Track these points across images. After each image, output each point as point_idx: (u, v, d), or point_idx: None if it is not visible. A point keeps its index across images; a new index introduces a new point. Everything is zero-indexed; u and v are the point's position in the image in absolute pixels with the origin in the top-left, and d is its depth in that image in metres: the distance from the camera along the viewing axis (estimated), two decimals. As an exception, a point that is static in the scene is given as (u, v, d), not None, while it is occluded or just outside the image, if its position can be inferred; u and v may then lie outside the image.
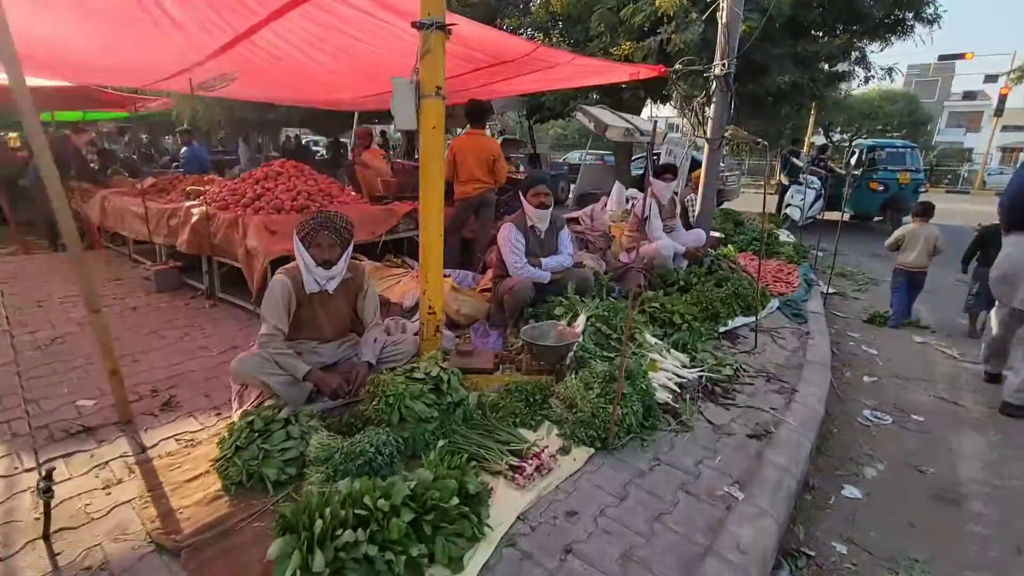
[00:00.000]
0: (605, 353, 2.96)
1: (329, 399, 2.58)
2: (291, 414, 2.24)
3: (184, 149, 9.10)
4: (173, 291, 4.56)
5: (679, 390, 2.93)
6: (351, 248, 2.70)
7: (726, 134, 4.51)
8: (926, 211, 5.22)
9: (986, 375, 3.91)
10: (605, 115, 2.67)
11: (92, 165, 7.81)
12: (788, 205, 10.80)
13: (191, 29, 3.52)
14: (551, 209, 3.58)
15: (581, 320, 3.24)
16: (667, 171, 4.99)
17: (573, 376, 2.63)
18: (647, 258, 5.05)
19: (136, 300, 4.42)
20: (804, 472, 2.47)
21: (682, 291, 4.50)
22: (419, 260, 2.82)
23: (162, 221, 4.56)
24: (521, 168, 10.79)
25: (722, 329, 4.01)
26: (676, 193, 7.05)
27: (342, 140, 15.84)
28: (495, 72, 4.38)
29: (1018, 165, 4.22)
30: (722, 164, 15.47)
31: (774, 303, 4.82)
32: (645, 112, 12.22)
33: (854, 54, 10.25)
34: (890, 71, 9.89)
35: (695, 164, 14.03)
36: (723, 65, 4.81)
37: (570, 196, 11.88)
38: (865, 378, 3.96)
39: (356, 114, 9.53)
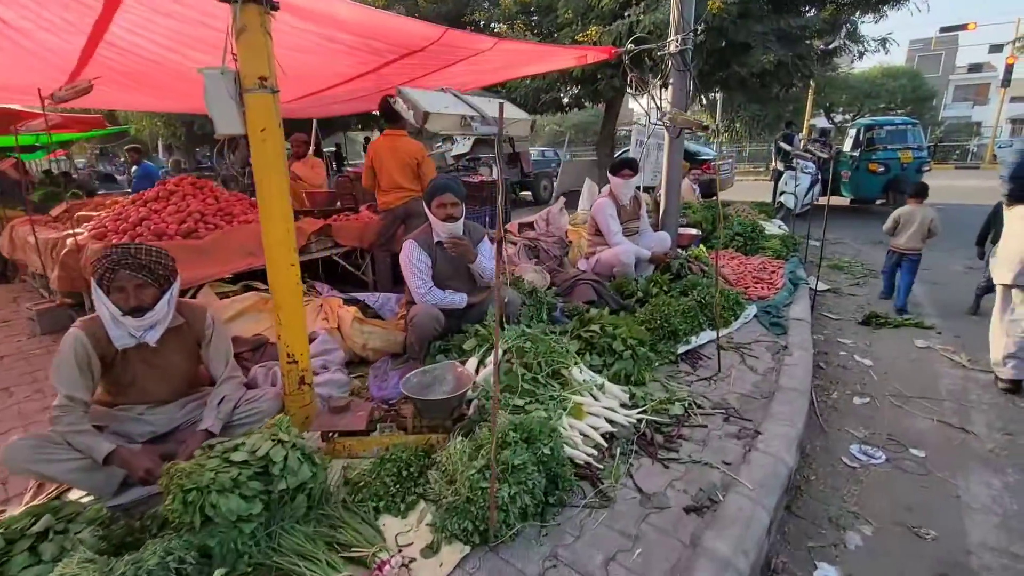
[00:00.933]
0: (515, 403, 2.37)
1: (143, 485, 2.02)
2: (50, 524, 1.68)
3: (135, 168, 8.62)
4: (61, 333, 4.03)
5: (607, 443, 2.34)
6: (175, 287, 2.14)
7: (665, 118, 3.90)
8: (920, 192, 4.96)
9: (1002, 382, 3.32)
10: (429, 99, 2.17)
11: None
12: (782, 193, 10.12)
13: (37, 36, 3.01)
14: (462, 221, 3.00)
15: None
16: (625, 167, 4.38)
17: (459, 439, 2.05)
18: (608, 266, 4.46)
19: (11, 345, 3.91)
20: (759, 558, 1.87)
21: (641, 304, 3.90)
22: (272, 296, 2.25)
23: (50, 253, 4.04)
24: (493, 169, 10.21)
25: (682, 349, 3.41)
26: (645, 190, 6.47)
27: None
28: (412, 66, 3.82)
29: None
30: (712, 150, 14.81)
31: (751, 310, 4.20)
32: (636, 106, 11.58)
33: (844, 28, 9.56)
34: (884, 42, 9.18)
35: (688, 156, 13.44)
36: (678, 41, 4.19)
37: (552, 196, 11.29)
38: (856, 399, 3.34)
39: (315, 121, 9.02)
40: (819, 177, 10.62)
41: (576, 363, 2.77)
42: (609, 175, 4.42)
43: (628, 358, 2.89)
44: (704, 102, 28.21)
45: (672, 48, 4.22)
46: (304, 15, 3.01)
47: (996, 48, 31.42)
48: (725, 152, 26.10)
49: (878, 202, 10.96)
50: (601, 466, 2.20)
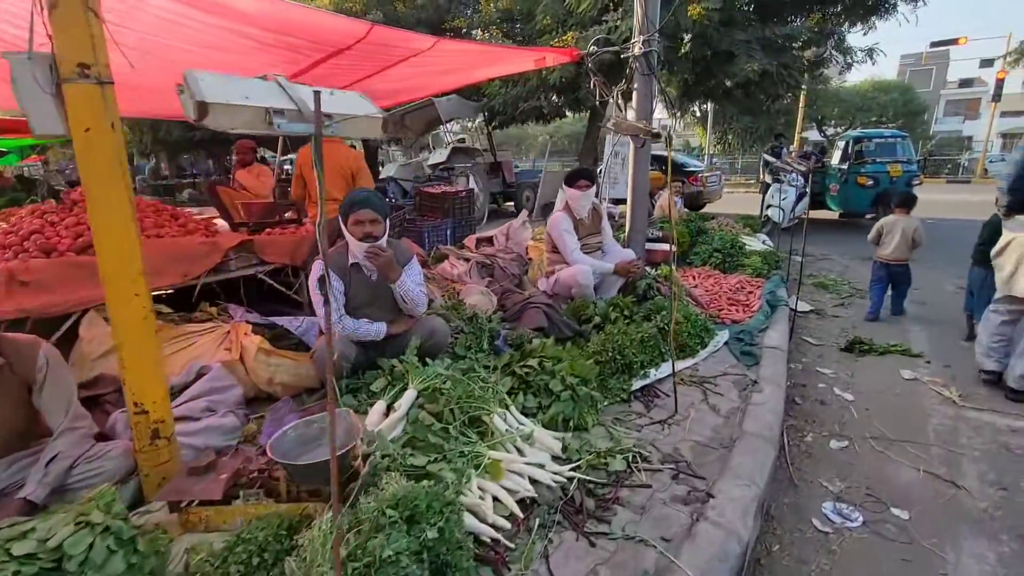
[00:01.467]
0: (415, 462, 1.96)
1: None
2: None
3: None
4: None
5: (526, 510, 1.94)
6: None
7: (609, 124, 3.54)
8: (906, 202, 4.94)
9: (984, 373, 3.50)
10: (226, 87, 1.81)
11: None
12: (769, 206, 9.81)
13: None
14: (384, 240, 2.62)
15: (406, 399, 2.26)
16: (581, 177, 4.01)
17: (327, 518, 1.64)
18: (566, 287, 4.08)
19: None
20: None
21: (600, 329, 3.51)
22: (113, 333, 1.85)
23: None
24: (472, 180, 9.81)
25: (638, 385, 3.01)
26: (608, 202, 6.11)
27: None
28: (347, 67, 3.45)
29: (1017, 149, 3.42)
30: (700, 162, 14.54)
31: (721, 337, 3.82)
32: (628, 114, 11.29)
33: (832, 39, 9.32)
34: (871, 52, 8.94)
35: (675, 168, 13.15)
36: (641, 44, 3.85)
37: (535, 208, 10.93)
38: (833, 442, 2.95)
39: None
40: (807, 190, 10.34)
41: (505, 407, 2.37)
42: (564, 187, 4.05)
43: (567, 399, 2.50)
44: (698, 114, 28.20)
45: (636, 51, 3.88)
46: (208, 8, 2.64)
47: (987, 63, 31.55)
48: (715, 164, 25.94)
49: (867, 216, 10.65)
50: (512, 544, 1.80)
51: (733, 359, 3.55)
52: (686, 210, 9.10)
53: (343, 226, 2.63)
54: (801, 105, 21.35)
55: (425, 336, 2.68)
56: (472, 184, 9.27)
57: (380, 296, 2.70)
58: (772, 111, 28.13)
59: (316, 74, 3.56)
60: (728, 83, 7.80)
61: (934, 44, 25.96)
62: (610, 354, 3.00)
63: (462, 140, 10.30)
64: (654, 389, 3.04)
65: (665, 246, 5.55)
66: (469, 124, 13.23)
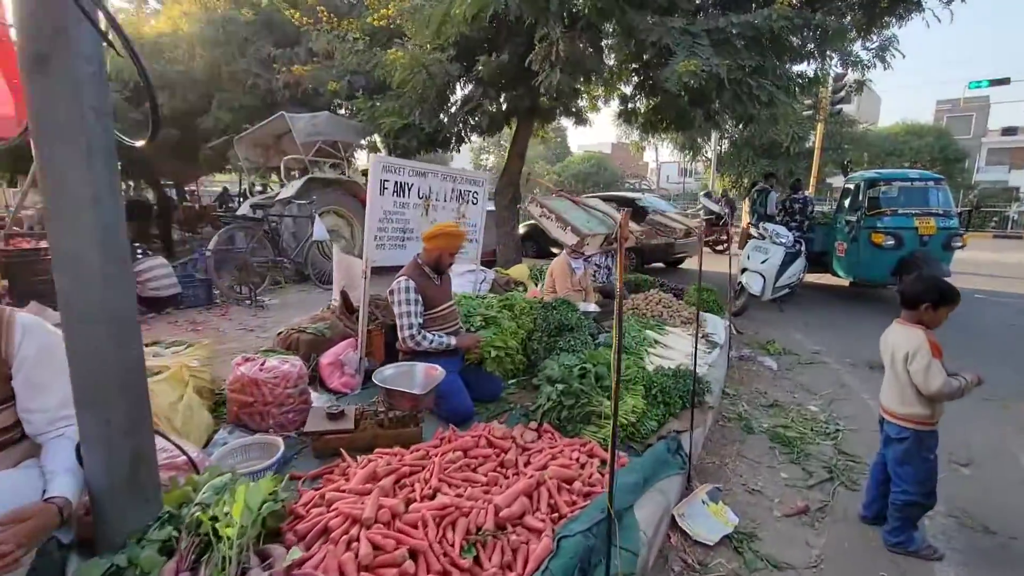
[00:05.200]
0: None
1: None
2: None
3: None
4: None
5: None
6: None
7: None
8: (922, 298, 2.19)
9: None
10: None
11: None
12: (744, 270, 7.02)
13: None
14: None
15: None
16: None
17: None
18: None
19: None
20: None
21: None
22: None
23: None
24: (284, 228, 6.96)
25: None
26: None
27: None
28: None
29: None
30: (673, 211, 11.85)
31: None
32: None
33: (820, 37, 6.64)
34: (883, 50, 6.27)
35: (639, 211, 10.47)
36: None
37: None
38: None
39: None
40: (800, 248, 7.51)
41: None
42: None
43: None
44: (709, 154, 25.71)
45: None
46: None
47: (1035, 107, 28.36)
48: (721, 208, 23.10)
49: (889, 286, 7.71)
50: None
51: None
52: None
53: None
54: (817, 145, 18.59)
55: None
56: (240, 240, 6.51)
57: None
58: (792, 153, 25.40)
59: None
60: (670, 88, 5.18)
61: (975, 85, 23.12)
62: None
63: (337, 165, 7.81)
64: None
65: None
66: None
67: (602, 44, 6.00)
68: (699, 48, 5.14)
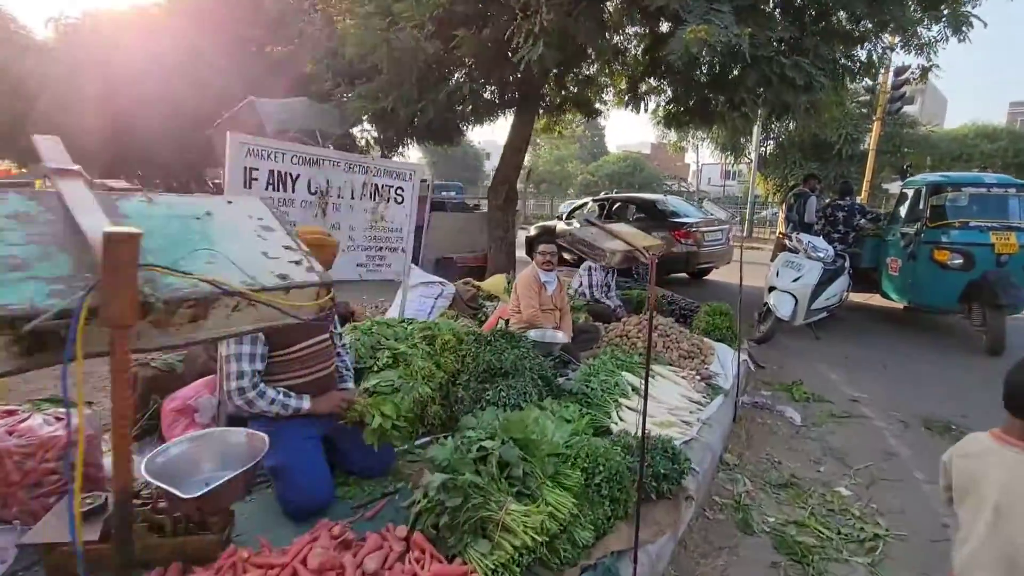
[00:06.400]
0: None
1: None
2: None
3: None
4: None
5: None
6: None
7: None
8: None
9: None
10: None
11: None
12: (771, 289, 5.90)
13: None
14: None
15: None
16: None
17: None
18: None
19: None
20: None
21: None
22: None
23: None
24: None
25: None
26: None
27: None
28: None
29: None
30: (700, 210, 10.57)
31: None
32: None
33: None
34: (957, 21, 5.02)
35: (658, 216, 9.38)
36: None
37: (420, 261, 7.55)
38: None
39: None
40: (843, 264, 6.31)
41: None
42: None
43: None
44: (750, 156, 24.24)
45: None
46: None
47: None
48: (729, 215, 21.39)
49: (954, 313, 6.39)
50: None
51: None
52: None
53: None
54: (872, 146, 16.84)
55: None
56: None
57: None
58: (844, 155, 23.48)
59: None
60: (675, 62, 4.19)
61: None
62: None
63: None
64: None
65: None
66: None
67: (603, 12, 5.00)
68: (717, 15, 4.12)
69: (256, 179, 2.46)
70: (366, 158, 3.01)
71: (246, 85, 8.43)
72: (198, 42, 8.22)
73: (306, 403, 2.09)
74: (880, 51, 5.94)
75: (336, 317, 2.46)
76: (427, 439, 2.65)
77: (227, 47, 8.23)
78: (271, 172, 2.51)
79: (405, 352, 2.70)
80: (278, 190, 2.55)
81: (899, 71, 13.07)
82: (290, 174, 2.58)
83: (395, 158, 9.65)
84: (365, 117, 5.61)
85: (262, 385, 2.01)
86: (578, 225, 2.20)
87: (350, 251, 2.88)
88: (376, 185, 2.96)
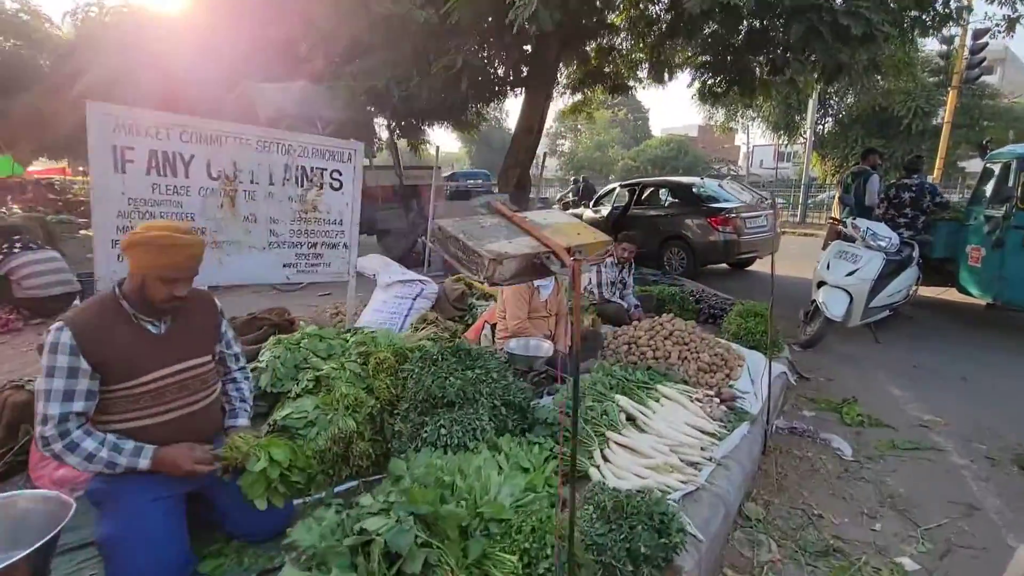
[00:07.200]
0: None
1: None
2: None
3: None
4: None
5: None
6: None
7: None
8: None
9: None
10: None
11: None
12: (820, 284, 5.03)
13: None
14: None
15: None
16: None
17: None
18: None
19: None
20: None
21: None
22: None
23: None
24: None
25: None
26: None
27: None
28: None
29: None
30: (742, 195, 9.50)
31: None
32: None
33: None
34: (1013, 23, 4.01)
35: (693, 200, 8.49)
36: None
37: (425, 260, 7.02)
38: None
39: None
40: (911, 254, 5.33)
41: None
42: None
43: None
44: (804, 133, 22.71)
45: None
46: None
47: None
48: (765, 199, 19.66)
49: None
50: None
51: None
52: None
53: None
54: (947, 118, 15.01)
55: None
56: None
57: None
58: (914, 131, 21.33)
59: None
60: (692, 10, 3.45)
61: None
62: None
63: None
64: None
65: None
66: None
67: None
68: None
69: (131, 160, 1.97)
70: (286, 133, 2.46)
71: (256, 72, 8.14)
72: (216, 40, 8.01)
73: (144, 461, 1.57)
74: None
75: (229, 331, 1.94)
76: (351, 483, 2.11)
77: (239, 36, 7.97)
78: (152, 152, 2.01)
79: (328, 374, 2.16)
80: (164, 175, 2.06)
81: (978, 33, 11.40)
82: (180, 154, 2.07)
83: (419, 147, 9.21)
84: (344, 96, 5.12)
85: (77, 433, 1.51)
86: (482, 212, 1.54)
87: (272, 249, 2.36)
88: (303, 168, 2.42)
